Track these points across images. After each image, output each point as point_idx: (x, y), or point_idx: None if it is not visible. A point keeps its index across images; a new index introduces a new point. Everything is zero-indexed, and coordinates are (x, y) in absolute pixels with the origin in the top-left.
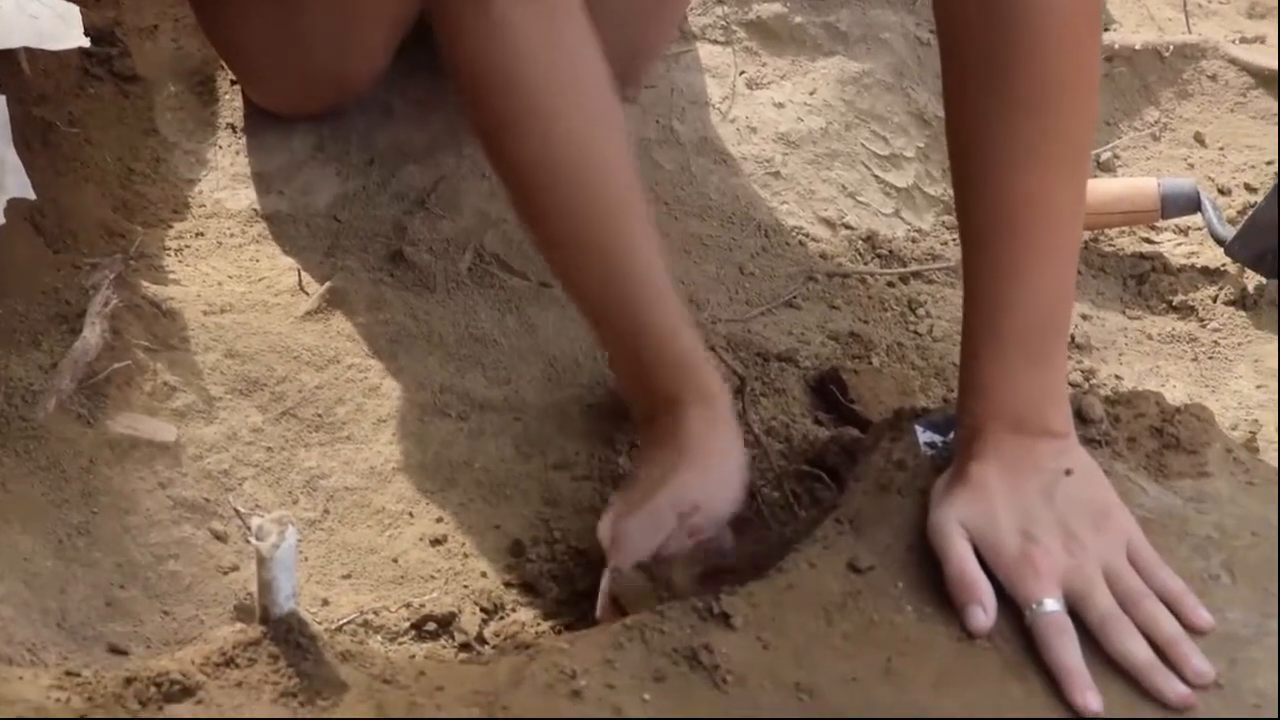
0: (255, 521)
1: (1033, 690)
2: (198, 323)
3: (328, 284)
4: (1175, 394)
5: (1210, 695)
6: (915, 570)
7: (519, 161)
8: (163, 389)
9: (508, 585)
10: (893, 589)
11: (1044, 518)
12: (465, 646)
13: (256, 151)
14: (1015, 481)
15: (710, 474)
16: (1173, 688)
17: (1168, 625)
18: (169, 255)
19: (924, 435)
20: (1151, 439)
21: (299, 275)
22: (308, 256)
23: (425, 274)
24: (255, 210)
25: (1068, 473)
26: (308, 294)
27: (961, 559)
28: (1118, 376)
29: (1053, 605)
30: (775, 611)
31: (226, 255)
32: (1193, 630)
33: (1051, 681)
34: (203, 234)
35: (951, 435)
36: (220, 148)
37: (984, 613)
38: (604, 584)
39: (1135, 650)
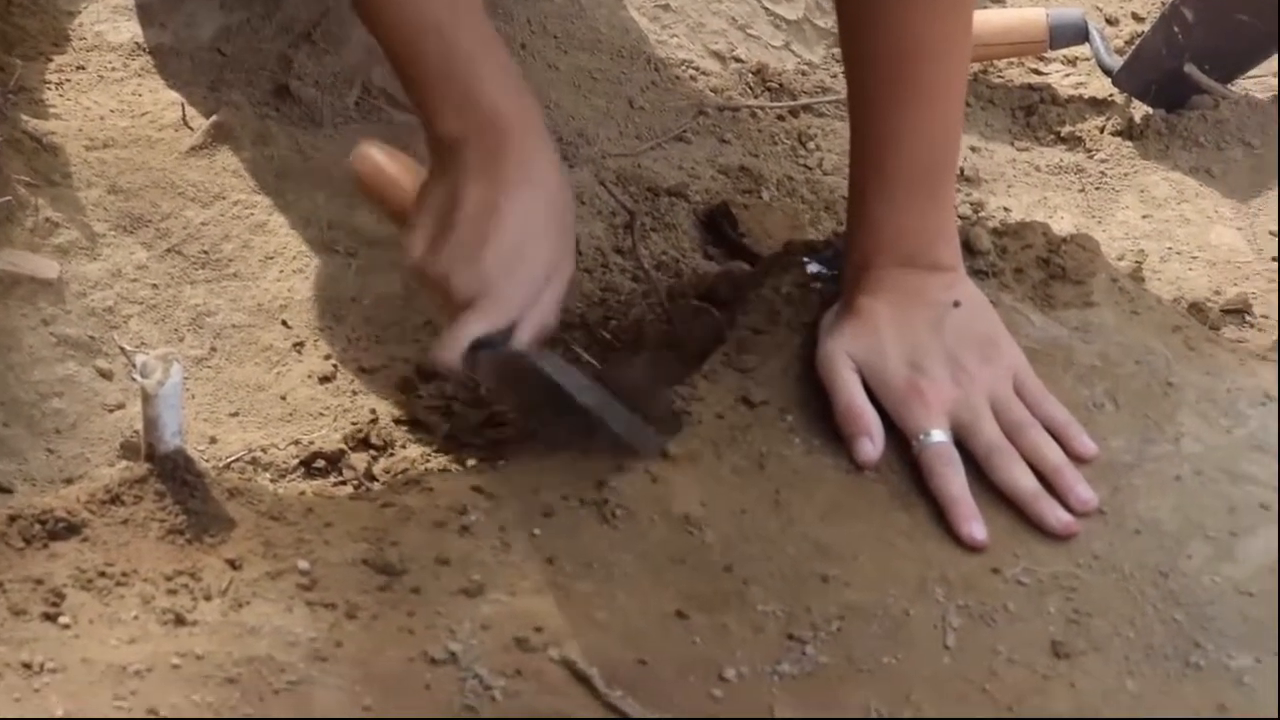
0: (140, 358)
1: (919, 520)
2: (80, 158)
3: (212, 119)
4: (1063, 225)
5: (1093, 522)
6: (804, 403)
7: None
8: (44, 225)
9: (397, 422)
10: (781, 422)
11: (932, 349)
12: (355, 484)
13: None
14: (903, 314)
15: (566, 231)
16: (1057, 515)
17: (1052, 454)
18: (49, 89)
19: (812, 269)
20: (1038, 269)
21: (183, 110)
22: (192, 91)
23: (312, 108)
24: (137, 43)
25: (955, 305)
26: (192, 129)
27: (849, 391)
28: (1006, 208)
29: (940, 436)
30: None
31: (108, 89)
32: (1077, 459)
33: (938, 511)
34: (84, 67)
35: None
36: None
37: (872, 444)
38: (465, 335)
39: (1020, 479)
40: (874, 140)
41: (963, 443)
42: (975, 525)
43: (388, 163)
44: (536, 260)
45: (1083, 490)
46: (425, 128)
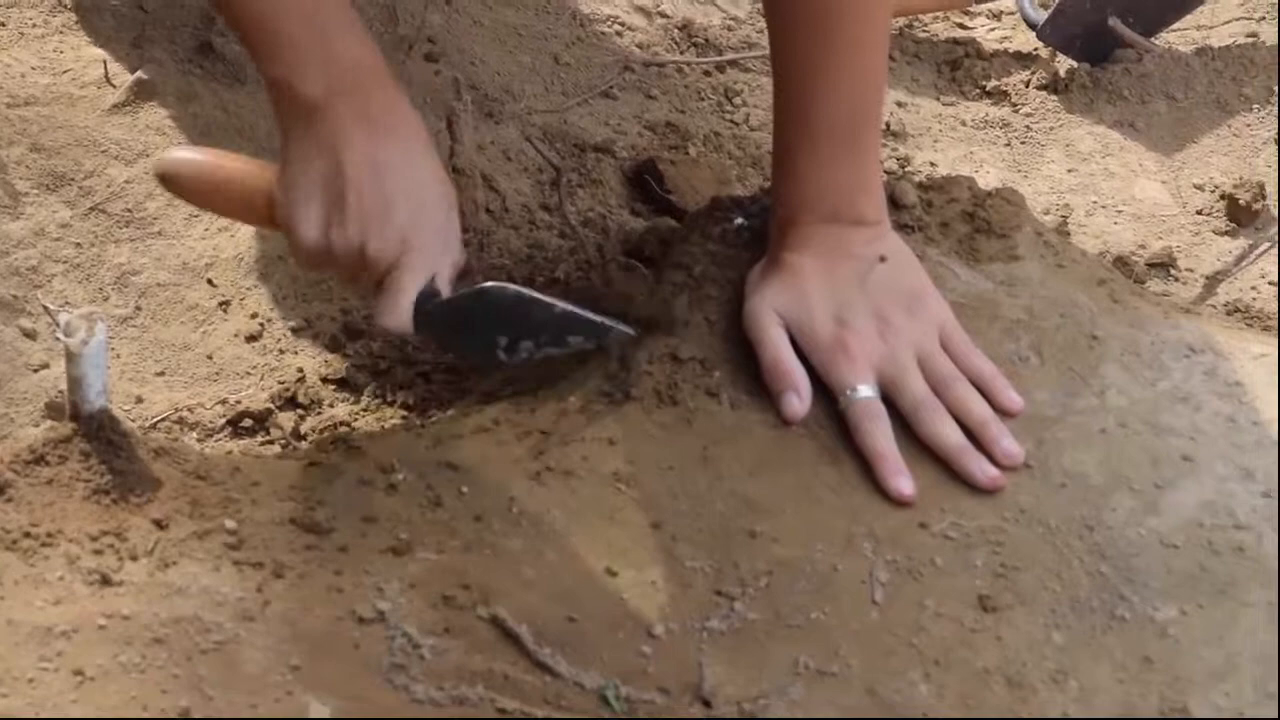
0: (64, 318)
1: (846, 475)
2: (1, 115)
3: (136, 75)
4: (988, 179)
5: (1019, 475)
6: (731, 359)
7: None
8: None
9: (324, 381)
10: (708, 378)
11: (858, 304)
12: (282, 443)
13: None
14: (829, 269)
15: (440, 164)
16: (982, 469)
17: (978, 408)
18: None
19: (738, 224)
20: (964, 223)
21: (105, 67)
22: (114, 47)
23: (235, 65)
24: None
25: (881, 259)
26: (115, 86)
27: (776, 347)
28: (932, 163)
29: (866, 391)
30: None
31: (29, 46)
32: (1003, 412)
33: (866, 466)
34: (3, 24)
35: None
36: None
37: (799, 399)
38: (408, 295)
39: (946, 434)
40: (798, 97)
41: (889, 397)
42: (902, 480)
43: (207, 157)
44: (436, 203)
45: (1008, 444)
46: (281, 94)
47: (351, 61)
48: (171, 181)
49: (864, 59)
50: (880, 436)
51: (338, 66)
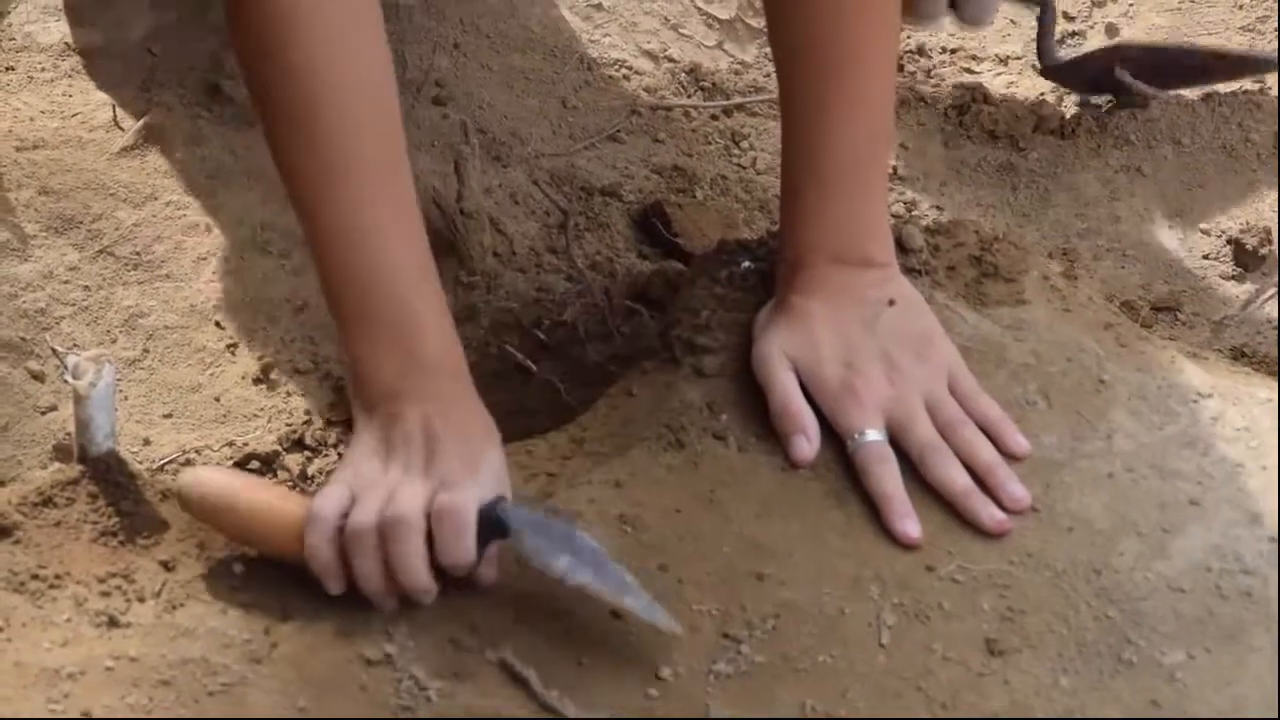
0: (72, 360)
1: (854, 518)
2: (9, 159)
3: (144, 119)
4: (995, 223)
5: (1026, 519)
6: (739, 402)
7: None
8: None
9: (331, 423)
10: (716, 421)
11: (866, 347)
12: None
13: None
14: (838, 312)
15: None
16: (990, 513)
17: (985, 452)
18: None
19: (746, 267)
20: (970, 267)
21: (114, 110)
22: (122, 91)
23: (243, 108)
24: (67, 44)
25: (890, 303)
26: (123, 130)
27: (785, 390)
28: (938, 207)
29: (874, 435)
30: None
31: (38, 90)
32: (1010, 456)
33: (873, 509)
34: (13, 68)
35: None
36: None
37: (807, 443)
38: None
39: (954, 478)
40: (807, 140)
41: (897, 440)
42: (910, 523)
43: (236, 479)
44: (492, 461)
45: (1015, 488)
46: (359, 374)
47: (430, 365)
48: (200, 507)
49: (872, 103)
50: (888, 479)
51: (419, 366)
